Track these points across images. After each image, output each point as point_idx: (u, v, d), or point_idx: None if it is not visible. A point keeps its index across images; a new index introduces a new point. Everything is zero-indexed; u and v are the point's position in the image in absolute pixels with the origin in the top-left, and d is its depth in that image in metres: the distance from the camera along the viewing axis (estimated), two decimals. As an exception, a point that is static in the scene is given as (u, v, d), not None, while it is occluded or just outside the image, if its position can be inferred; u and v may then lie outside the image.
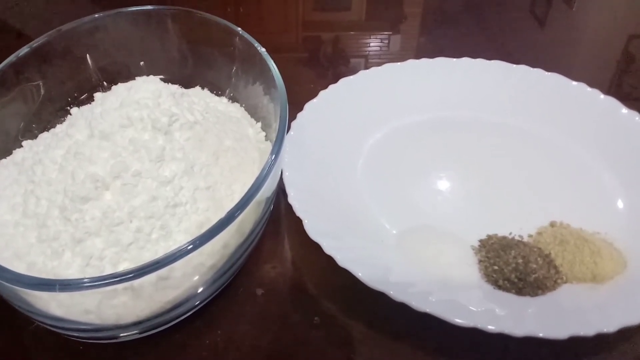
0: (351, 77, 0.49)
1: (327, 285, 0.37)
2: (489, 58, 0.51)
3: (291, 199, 0.37)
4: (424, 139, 0.46)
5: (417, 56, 0.52)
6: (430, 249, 0.37)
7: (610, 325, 0.31)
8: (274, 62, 0.40)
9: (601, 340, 0.31)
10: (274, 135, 0.36)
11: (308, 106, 0.45)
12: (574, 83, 0.47)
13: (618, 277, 0.35)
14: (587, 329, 0.30)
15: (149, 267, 0.28)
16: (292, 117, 0.44)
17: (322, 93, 0.47)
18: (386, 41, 0.67)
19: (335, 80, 0.48)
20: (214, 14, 0.47)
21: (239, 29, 0.45)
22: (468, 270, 0.36)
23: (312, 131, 0.44)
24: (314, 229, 0.35)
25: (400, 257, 0.36)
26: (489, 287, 0.35)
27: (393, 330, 0.34)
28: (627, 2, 0.73)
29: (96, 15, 0.48)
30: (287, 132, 0.42)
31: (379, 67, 0.50)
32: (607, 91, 0.46)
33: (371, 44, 0.66)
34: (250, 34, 0.44)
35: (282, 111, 0.37)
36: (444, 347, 0.34)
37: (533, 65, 0.50)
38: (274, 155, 0.34)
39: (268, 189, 0.35)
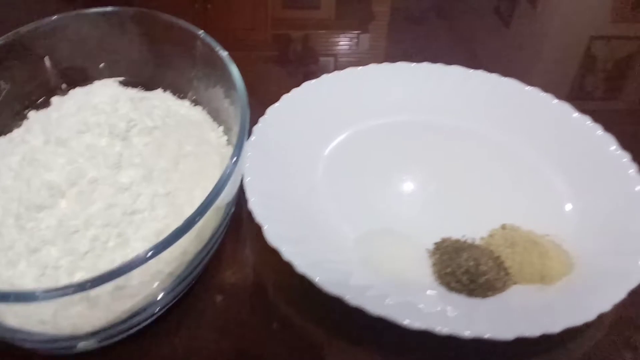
0: (314, 81, 0.49)
1: (287, 290, 0.37)
2: (456, 56, 0.52)
3: (251, 205, 0.38)
4: (384, 143, 0.47)
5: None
6: (386, 252, 0.38)
7: (555, 325, 0.32)
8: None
9: (550, 340, 0.32)
10: (235, 140, 0.37)
11: (270, 110, 0.46)
12: (528, 88, 0.49)
13: (566, 278, 0.36)
14: (533, 330, 0.32)
15: (105, 277, 0.28)
16: (255, 121, 0.44)
17: (284, 97, 0.47)
18: (355, 40, 0.68)
19: (305, 80, 0.49)
20: (181, 11, 0.46)
21: (201, 31, 0.45)
22: (423, 272, 0.37)
23: (274, 135, 0.44)
24: (273, 235, 0.36)
25: (358, 261, 0.37)
26: (442, 290, 0.36)
27: (352, 334, 0.35)
28: (589, 3, 0.75)
29: (55, 17, 0.47)
30: (249, 137, 0.43)
31: (342, 71, 0.51)
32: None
33: (340, 43, 0.67)
34: (218, 32, 0.44)
35: (242, 116, 0.37)
36: (403, 350, 0.35)
37: (498, 66, 0.51)
38: (233, 160, 0.34)
39: (228, 194, 0.35)
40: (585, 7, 0.74)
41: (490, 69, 0.51)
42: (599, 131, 0.45)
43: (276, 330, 0.35)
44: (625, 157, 0.43)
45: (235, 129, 0.38)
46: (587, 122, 0.46)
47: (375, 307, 0.32)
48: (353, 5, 0.73)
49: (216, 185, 0.33)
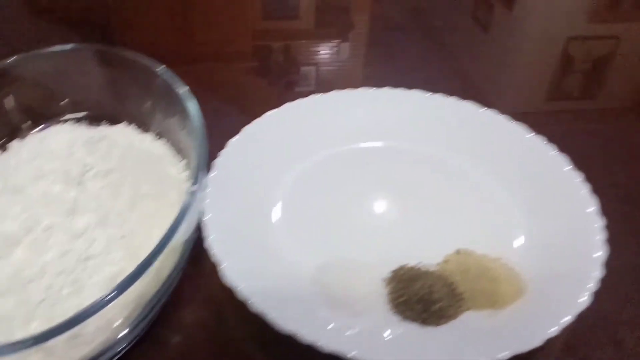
0: (275, 110, 0.50)
1: (247, 329, 0.38)
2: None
3: (209, 243, 0.38)
4: (343, 171, 0.48)
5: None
6: (343, 283, 0.38)
7: (503, 352, 0.33)
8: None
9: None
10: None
11: (231, 143, 0.46)
12: (484, 110, 0.50)
13: (516, 303, 0.37)
14: (482, 357, 0.33)
15: (59, 328, 0.28)
16: (216, 153, 0.45)
17: (246, 128, 0.48)
18: (336, 49, 0.69)
19: (287, 91, 0.49)
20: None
21: (161, 67, 0.46)
22: (378, 302, 0.38)
23: (234, 169, 0.45)
24: (230, 273, 0.36)
25: (315, 294, 0.38)
26: (396, 320, 0.37)
27: None
28: (566, 5, 0.77)
29: (15, 57, 0.48)
30: (209, 172, 0.44)
31: (304, 99, 0.52)
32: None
33: (321, 52, 0.68)
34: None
35: (199, 155, 0.38)
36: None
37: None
38: (187, 200, 0.35)
39: (184, 233, 0.36)
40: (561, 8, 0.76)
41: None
42: (552, 152, 0.46)
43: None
44: (578, 178, 0.44)
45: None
46: (541, 142, 0.47)
47: (329, 342, 0.33)
48: (332, 15, 0.75)
49: (171, 225, 0.33)
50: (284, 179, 0.47)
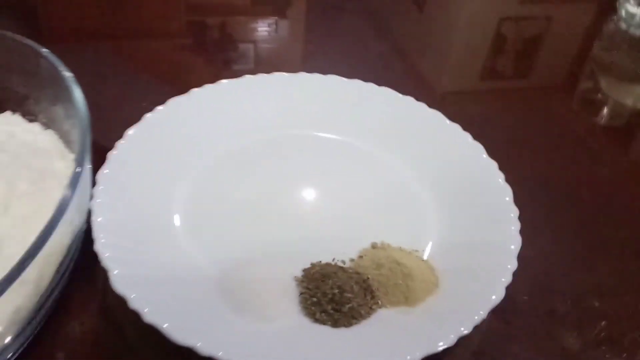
0: (181, 97, 0.46)
1: (142, 341, 0.34)
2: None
3: (98, 247, 0.34)
4: (251, 163, 0.45)
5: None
6: (251, 287, 0.36)
7: (415, 353, 0.32)
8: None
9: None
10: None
11: (129, 134, 0.42)
12: (402, 96, 0.48)
13: (430, 299, 0.36)
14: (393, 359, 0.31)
15: None
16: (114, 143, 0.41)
17: (147, 116, 0.44)
18: (273, 26, 0.67)
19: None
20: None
21: (44, 49, 0.41)
22: (289, 306, 0.35)
23: (132, 163, 0.40)
24: (122, 280, 0.33)
25: (220, 301, 0.35)
26: (307, 322, 0.35)
27: None
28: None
29: None
30: (103, 167, 0.39)
31: (214, 85, 0.48)
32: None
33: (259, 29, 0.65)
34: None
35: (82, 146, 0.34)
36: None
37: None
38: (65, 198, 0.30)
39: (63, 237, 0.32)
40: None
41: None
42: (468, 139, 0.45)
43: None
44: (493, 166, 0.43)
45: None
46: (458, 130, 0.46)
47: (230, 353, 0.30)
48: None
49: (43, 230, 0.29)
50: (188, 174, 0.43)
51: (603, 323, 0.36)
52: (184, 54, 0.60)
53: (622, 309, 0.38)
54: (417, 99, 0.48)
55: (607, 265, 0.42)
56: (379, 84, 0.49)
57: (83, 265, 0.36)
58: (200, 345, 0.30)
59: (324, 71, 0.51)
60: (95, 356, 0.34)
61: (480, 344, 0.33)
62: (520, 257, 0.36)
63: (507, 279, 0.35)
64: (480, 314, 0.34)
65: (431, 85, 0.49)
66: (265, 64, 0.55)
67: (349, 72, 0.50)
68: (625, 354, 0.35)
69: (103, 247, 0.34)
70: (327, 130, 0.48)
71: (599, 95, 0.61)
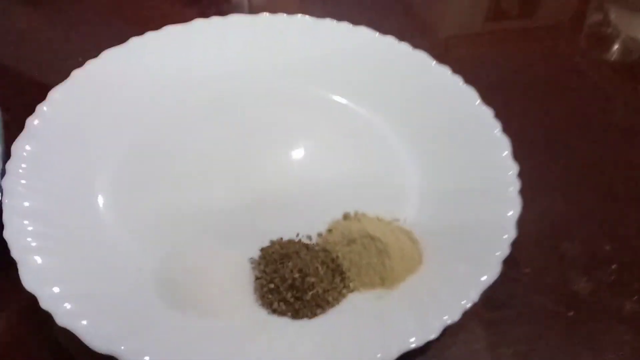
0: (117, 47, 0.39)
1: (66, 344, 0.29)
2: None
3: (7, 234, 0.28)
4: (197, 123, 0.38)
5: None
6: (195, 275, 0.30)
7: (389, 350, 0.26)
8: None
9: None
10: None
11: (52, 96, 0.35)
12: (381, 36, 0.41)
13: (411, 278, 0.30)
14: (364, 358, 0.25)
15: None
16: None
17: (75, 73, 0.37)
18: None
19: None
20: None
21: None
22: (242, 296, 0.29)
23: (51, 132, 0.34)
24: (33, 273, 0.27)
25: (155, 296, 0.29)
26: (262, 315, 0.29)
27: None
28: None
29: None
30: (19, 136, 0.33)
31: (159, 32, 0.41)
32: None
33: None
34: None
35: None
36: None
37: None
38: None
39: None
40: None
41: None
42: (459, 83, 0.38)
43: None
44: (487, 114, 0.36)
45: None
46: (445, 73, 0.39)
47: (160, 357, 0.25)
48: None
49: None
50: (119, 142, 0.36)
51: (614, 266, 0.34)
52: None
53: (633, 253, 0.35)
54: (416, 44, 0.41)
55: (618, 212, 0.37)
56: (375, 26, 0.42)
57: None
58: (124, 351, 0.25)
59: (293, 11, 0.43)
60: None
61: (489, 291, 0.28)
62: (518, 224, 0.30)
63: (503, 251, 0.29)
64: (470, 297, 0.28)
65: (431, 28, 0.41)
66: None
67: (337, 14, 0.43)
68: (635, 297, 0.33)
69: (12, 235, 0.28)
70: (291, 78, 0.41)
71: (609, 30, 0.53)
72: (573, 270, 0.33)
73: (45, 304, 0.26)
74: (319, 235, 0.32)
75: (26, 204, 0.30)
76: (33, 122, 0.34)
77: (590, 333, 0.31)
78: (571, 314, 0.32)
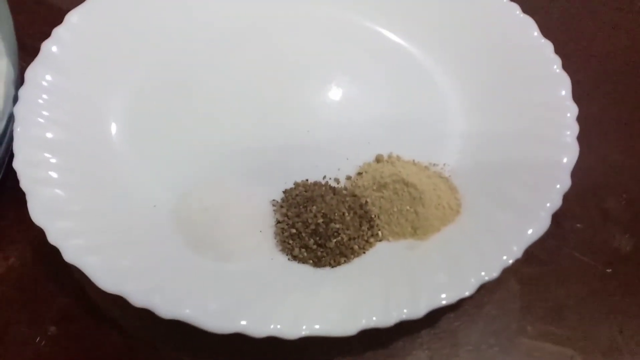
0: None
1: (75, 282, 0.27)
2: None
3: (17, 163, 0.27)
4: (221, 52, 0.35)
5: None
6: (213, 216, 0.27)
7: (417, 307, 0.23)
8: None
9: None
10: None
11: (70, 20, 0.33)
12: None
13: (447, 230, 0.27)
14: (384, 319, 0.23)
15: None
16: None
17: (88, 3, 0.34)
18: None
19: None
20: None
21: None
22: (261, 239, 0.27)
23: (70, 58, 0.32)
24: (40, 206, 0.26)
25: (171, 235, 0.27)
26: (282, 261, 0.27)
27: (153, 339, 0.26)
28: None
29: None
30: (34, 61, 0.31)
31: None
32: None
33: None
34: None
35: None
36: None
37: None
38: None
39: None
40: None
41: None
42: (516, 11, 0.33)
43: (53, 336, 0.26)
44: (546, 48, 0.32)
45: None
46: (516, 11, 0.34)
47: (168, 306, 0.23)
48: None
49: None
50: (137, 72, 0.33)
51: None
52: None
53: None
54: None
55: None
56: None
57: (10, 187, 0.29)
58: (133, 291, 0.23)
59: None
60: (17, 296, 0.27)
61: (528, 247, 0.25)
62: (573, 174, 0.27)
63: (554, 203, 0.26)
64: (513, 252, 0.25)
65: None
66: None
67: None
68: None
69: (22, 165, 0.27)
70: (326, 3, 0.37)
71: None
72: (615, 227, 0.31)
73: (53, 238, 0.25)
74: (348, 178, 0.30)
75: (39, 133, 0.28)
76: (49, 47, 0.32)
77: (626, 290, 0.28)
78: (609, 270, 0.29)
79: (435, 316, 0.26)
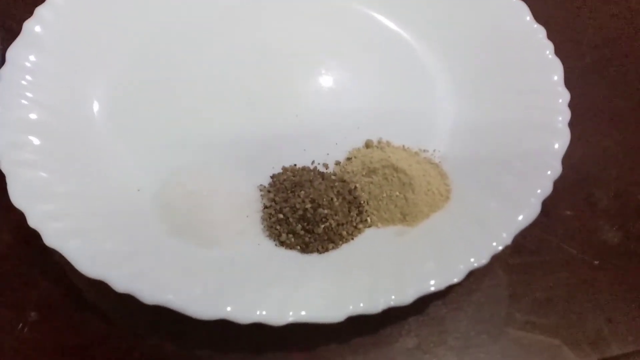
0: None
1: (56, 267, 0.27)
2: None
3: (-7, 146, 0.26)
4: (208, 31, 0.34)
5: None
6: (197, 201, 0.27)
7: (405, 294, 0.23)
8: None
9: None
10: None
11: (39, 11, 0.32)
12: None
13: (436, 216, 0.27)
14: (371, 305, 0.23)
15: None
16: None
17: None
18: None
19: None
20: None
21: None
22: (248, 225, 0.27)
23: (53, 36, 0.31)
24: (21, 190, 0.25)
25: (153, 220, 0.26)
26: (269, 246, 0.26)
27: (133, 325, 0.26)
28: None
29: None
30: (9, 48, 0.30)
31: None
32: None
33: None
34: None
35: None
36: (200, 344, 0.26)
37: None
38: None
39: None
40: None
41: None
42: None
43: (36, 322, 0.26)
44: (539, 33, 0.31)
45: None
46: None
47: (153, 293, 0.23)
48: None
49: None
50: (121, 53, 0.32)
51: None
52: None
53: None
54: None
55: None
56: None
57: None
58: (115, 277, 0.23)
59: None
60: (1, 283, 0.27)
61: (517, 236, 0.25)
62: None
63: (545, 189, 0.26)
64: (502, 239, 0.24)
65: None
66: None
67: None
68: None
69: (3, 146, 0.26)
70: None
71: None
72: (604, 219, 0.30)
73: (33, 221, 0.24)
74: (337, 163, 0.29)
75: (20, 114, 0.28)
76: (32, 27, 0.31)
77: (613, 281, 0.28)
78: (597, 262, 0.29)
79: (424, 303, 0.25)
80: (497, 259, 0.25)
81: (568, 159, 0.27)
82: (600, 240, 0.30)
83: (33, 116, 0.28)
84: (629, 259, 0.29)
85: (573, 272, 0.29)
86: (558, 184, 0.26)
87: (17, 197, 0.25)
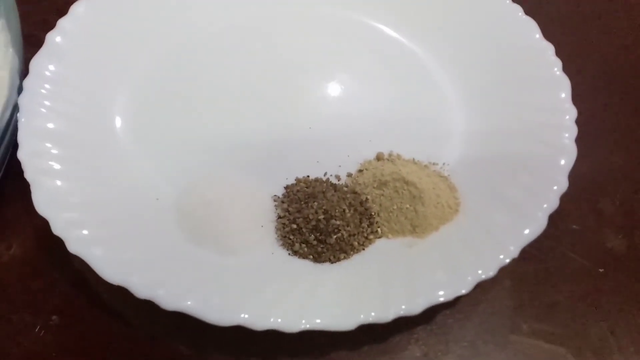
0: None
1: (77, 272, 0.28)
2: None
3: (21, 154, 0.27)
4: (224, 48, 0.35)
5: None
6: (214, 210, 0.28)
7: (414, 304, 0.24)
8: None
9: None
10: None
11: (76, 10, 0.33)
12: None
13: (445, 228, 0.28)
14: (382, 314, 0.24)
15: None
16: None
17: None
18: None
19: None
20: None
21: None
22: (262, 234, 0.28)
23: (75, 49, 0.32)
24: (44, 197, 0.26)
25: (173, 229, 0.27)
26: (283, 255, 0.27)
27: (151, 329, 0.27)
28: None
29: None
30: (38, 52, 0.31)
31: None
32: None
33: None
34: None
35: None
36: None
37: None
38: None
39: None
40: None
41: None
42: (518, 13, 0.34)
43: (55, 325, 0.27)
44: (547, 50, 0.32)
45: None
46: (504, 1, 0.34)
47: (171, 299, 0.24)
48: None
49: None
50: (142, 64, 0.33)
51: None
52: None
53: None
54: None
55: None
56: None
57: (15, 177, 0.29)
58: (136, 283, 0.24)
59: None
60: (18, 286, 0.28)
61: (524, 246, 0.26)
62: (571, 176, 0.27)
63: (551, 204, 0.26)
64: (509, 252, 0.25)
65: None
66: None
67: None
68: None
69: (27, 155, 0.27)
70: (328, 1, 0.37)
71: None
72: (609, 228, 0.31)
73: (57, 229, 0.25)
74: (349, 175, 0.30)
75: (43, 124, 0.29)
76: (54, 38, 0.32)
77: (618, 290, 0.29)
78: (602, 270, 0.30)
79: (431, 313, 0.26)
80: (504, 268, 0.25)
81: (575, 170, 0.28)
82: (606, 249, 0.31)
83: (56, 126, 0.29)
84: (634, 268, 0.30)
85: (578, 281, 0.29)
86: (565, 193, 0.27)
87: (42, 205, 0.26)
